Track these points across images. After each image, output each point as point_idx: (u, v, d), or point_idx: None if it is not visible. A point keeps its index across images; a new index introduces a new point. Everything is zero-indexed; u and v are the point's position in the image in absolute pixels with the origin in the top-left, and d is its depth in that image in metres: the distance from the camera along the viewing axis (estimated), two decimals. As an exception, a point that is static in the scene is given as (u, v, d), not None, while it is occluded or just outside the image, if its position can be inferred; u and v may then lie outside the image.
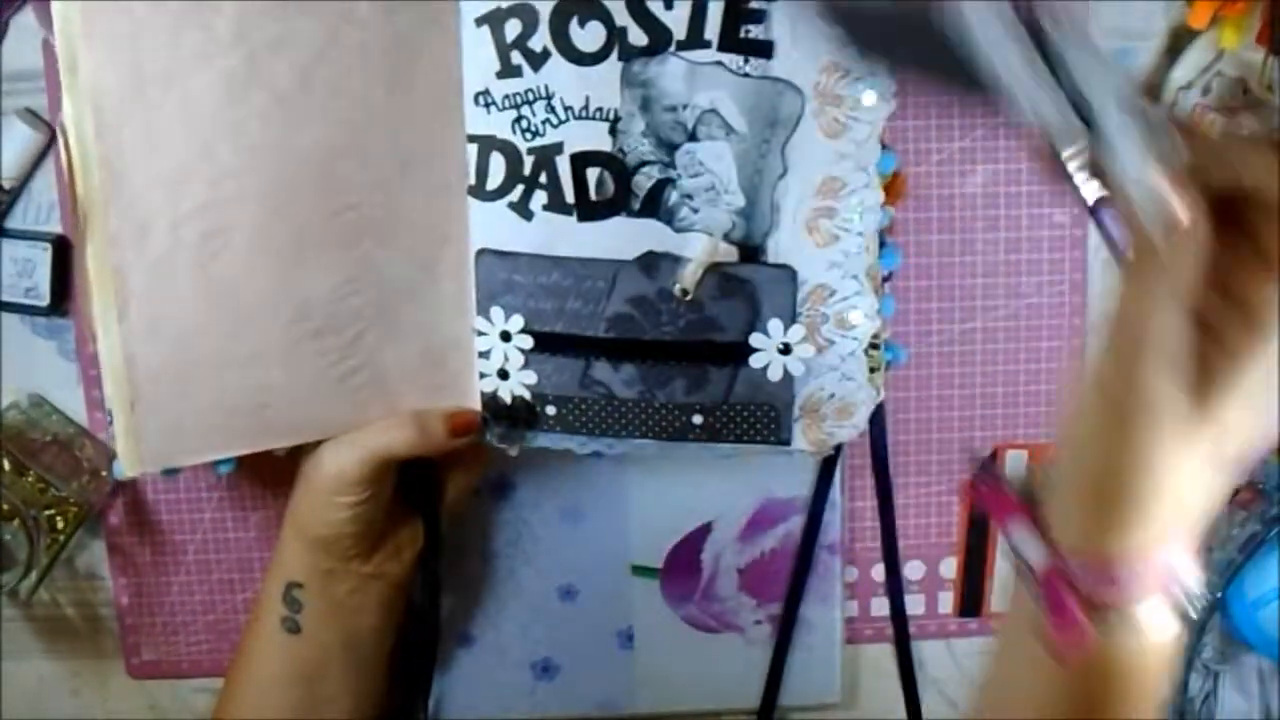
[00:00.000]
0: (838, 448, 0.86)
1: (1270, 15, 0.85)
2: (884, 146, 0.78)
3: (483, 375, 0.83)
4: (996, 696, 0.69)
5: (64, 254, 0.90)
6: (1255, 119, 0.89)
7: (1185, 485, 0.59)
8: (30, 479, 0.91)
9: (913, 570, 0.98)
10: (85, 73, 0.70)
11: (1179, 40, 0.89)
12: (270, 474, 0.81)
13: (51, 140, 0.89)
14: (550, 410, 0.83)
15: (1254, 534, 0.94)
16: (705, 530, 0.98)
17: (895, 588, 0.97)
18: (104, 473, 0.93)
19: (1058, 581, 0.61)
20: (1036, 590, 0.62)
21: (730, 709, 1.01)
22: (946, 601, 0.99)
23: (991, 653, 0.69)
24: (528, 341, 0.82)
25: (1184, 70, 0.88)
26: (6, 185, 0.89)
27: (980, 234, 0.91)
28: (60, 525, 0.92)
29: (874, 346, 0.82)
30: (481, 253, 0.81)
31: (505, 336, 0.82)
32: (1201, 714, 0.97)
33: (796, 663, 0.99)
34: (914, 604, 0.98)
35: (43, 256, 0.90)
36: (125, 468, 0.76)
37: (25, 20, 0.88)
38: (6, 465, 0.91)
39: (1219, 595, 0.94)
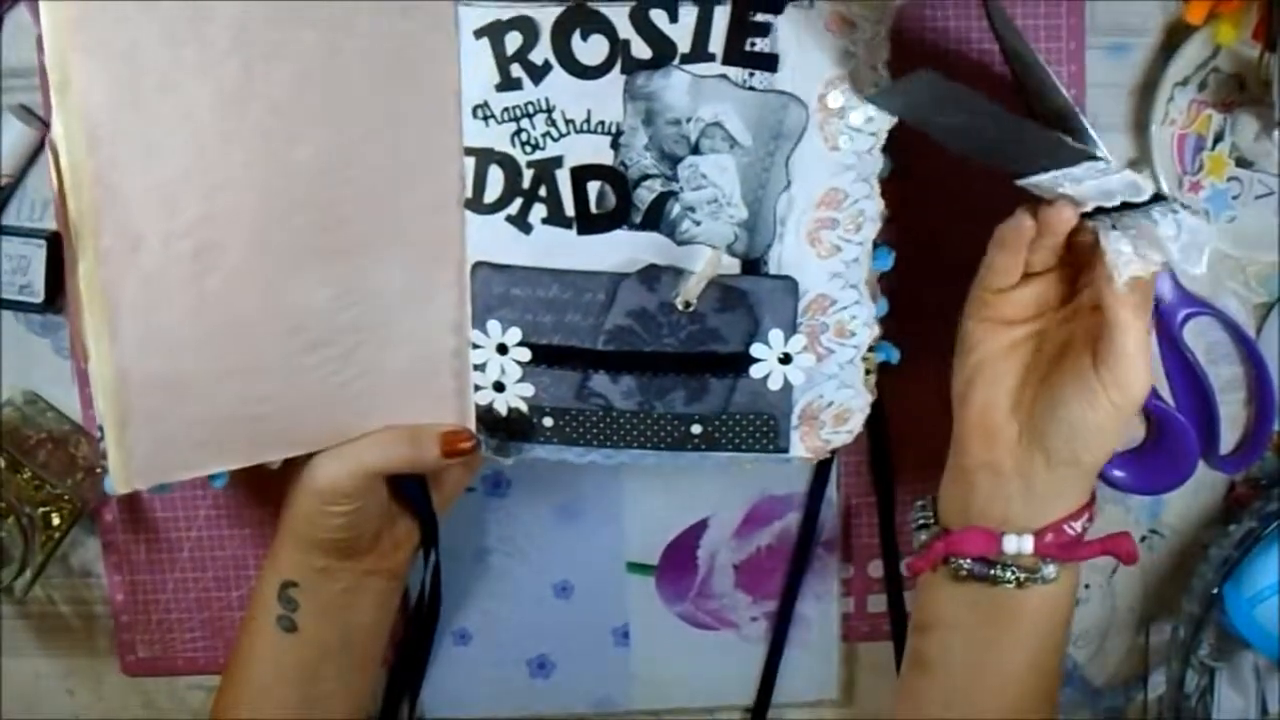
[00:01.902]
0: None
1: (1266, 11, 0.85)
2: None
3: (478, 388, 0.82)
4: None
5: (59, 251, 0.89)
6: (1252, 115, 0.89)
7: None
8: (25, 476, 0.91)
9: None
10: (78, 85, 0.69)
11: (1175, 36, 0.89)
12: (265, 474, 0.80)
13: (46, 137, 0.88)
14: (548, 422, 0.82)
15: (1250, 530, 0.95)
16: (701, 527, 0.98)
17: (894, 584, 0.97)
18: (99, 470, 0.93)
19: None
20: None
21: (726, 706, 1.02)
22: (943, 599, 0.99)
23: None
24: (525, 354, 0.81)
25: (1180, 66, 0.88)
26: (2, 182, 0.89)
27: (979, 233, 0.91)
28: (55, 522, 0.92)
29: (868, 349, 0.82)
30: (478, 266, 0.80)
31: (502, 349, 0.81)
32: (1198, 711, 0.97)
33: (792, 659, 1.00)
34: (910, 600, 0.98)
35: (38, 253, 0.90)
36: (116, 485, 0.76)
37: (21, 18, 0.88)
38: (1, 462, 0.90)
39: (1216, 592, 0.94)
